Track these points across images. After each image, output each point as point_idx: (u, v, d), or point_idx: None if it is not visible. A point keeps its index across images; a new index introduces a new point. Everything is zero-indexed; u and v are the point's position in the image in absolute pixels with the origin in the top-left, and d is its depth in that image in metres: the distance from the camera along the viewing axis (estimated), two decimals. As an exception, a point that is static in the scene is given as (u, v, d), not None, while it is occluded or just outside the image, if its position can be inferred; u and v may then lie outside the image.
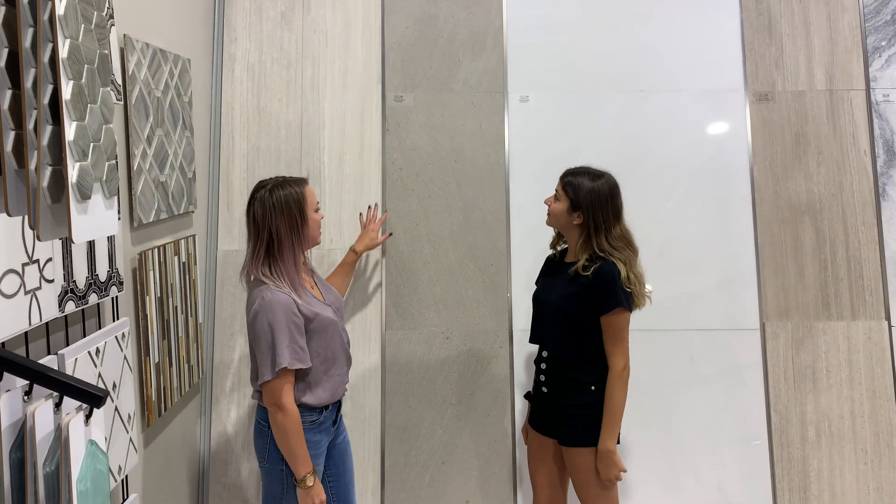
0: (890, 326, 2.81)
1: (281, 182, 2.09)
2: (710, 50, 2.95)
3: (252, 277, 2.09)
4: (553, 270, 2.39)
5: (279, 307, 1.99)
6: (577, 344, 2.24)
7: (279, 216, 2.04)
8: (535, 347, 2.81)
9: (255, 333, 2.02)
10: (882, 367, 2.80)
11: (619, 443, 2.26)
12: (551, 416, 2.33)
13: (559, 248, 2.42)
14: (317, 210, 2.15)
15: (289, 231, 2.05)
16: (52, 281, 1.59)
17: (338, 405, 2.23)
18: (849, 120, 2.89)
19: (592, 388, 2.22)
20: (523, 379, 2.85)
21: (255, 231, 2.08)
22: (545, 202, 2.32)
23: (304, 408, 2.07)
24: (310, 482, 2.04)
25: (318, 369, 2.10)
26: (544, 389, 2.35)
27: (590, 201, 2.20)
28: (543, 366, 2.35)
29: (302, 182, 2.12)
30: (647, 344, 2.81)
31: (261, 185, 2.10)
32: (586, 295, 2.19)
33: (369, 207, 2.84)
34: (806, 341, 2.83)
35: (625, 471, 2.22)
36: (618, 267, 2.17)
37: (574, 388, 2.24)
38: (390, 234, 2.85)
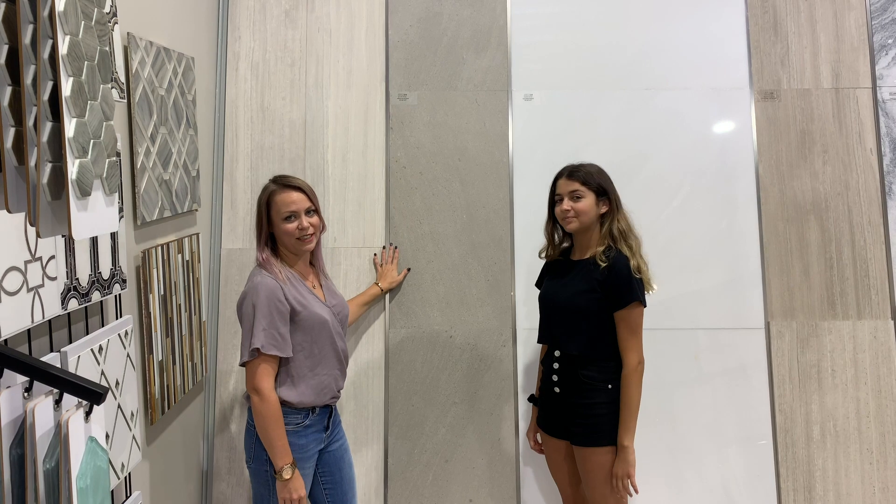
0: (896, 326, 2.80)
1: (272, 182, 2.18)
2: (716, 48, 2.94)
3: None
4: (559, 270, 2.38)
5: (264, 290, 2.02)
6: (592, 341, 2.23)
7: (258, 211, 2.18)
8: (539, 346, 2.81)
9: (241, 315, 2.08)
10: (888, 367, 2.78)
11: None
12: (564, 417, 2.31)
13: (553, 251, 2.41)
14: (287, 219, 2.10)
15: (259, 226, 2.16)
16: (54, 278, 1.60)
17: (328, 411, 2.21)
18: (855, 118, 2.87)
19: (609, 386, 2.21)
20: (527, 378, 2.84)
21: None
22: (564, 208, 2.24)
23: (287, 407, 2.06)
24: (286, 474, 2.01)
25: (303, 364, 2.09)
26: (556, 390, 2.33)
27: (608, 182, 2.27)
28: (556, 366, 2.32)
29: (280, 188, 2.12)
30: (652, 343, 2.78)
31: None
32: (601, 290, 2.19)
33: (384, 248, 2.85)
34: (811, 340, 2.81)
35: (631, 475, 2.21)
36: (628, 258, 2.18)
37: (589, 387, 2.23)
38: (409, 270, 2.86)
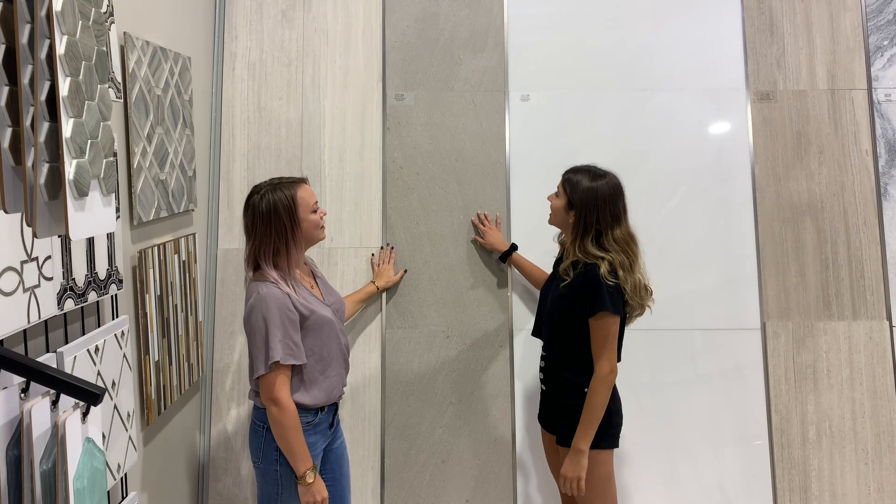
0: (891, 326, 2.81)
1: (274, 186, 2.09)
2: (712, 49, 2.95)
3: (249, 275, 2.11)
4: (557, 268, 2.39)
5: (273, 302, 2.00)
6: (569, 344, 2.23)
7: (268, 224, 2.06)
8: (536, 347, 2.82)
9: (251, 328, 2.03)
10: (883, 367, 2.79)
11: (617, 446, 2.24)
12: (550, 413, 2.34)
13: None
14: (314, 210, 2.13)
15: (278, 237, 2.06)
16: (51, 279, 1.59)
17: (334, 408, 2.22)
18: (850, 119, 2.88)
19: (586, 389, 2.19)
20: (523, 378, 2.85)
21: (248, 235, 2.11)
22: (548, 198, 2.31)
23: (299, 408, 2.06)
24: (310, 479, 2.03)
25: (314, 368, 2.10)
26: (543, 387, 2.37)
27: (584, 201, 2.15)
28: (543, 364, 2.36)
29: (295, 185, 2.10)
30: (648, 343, 2.81)
31: (254, 191, 2.11)
32: (575, 297, 2.18)
33: (381, 248, 2.85)
34: (807, 341, 2.82)
35: (582, 478, 2.13)
36: (600, 267, 2.12)
37: (569, 389, 2.23)
38: (405, 272, 2.86)
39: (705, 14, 2.96)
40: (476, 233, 2.86)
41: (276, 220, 2.05)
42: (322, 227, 2.16)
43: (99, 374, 1.79)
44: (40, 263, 1.55)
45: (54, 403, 1.29)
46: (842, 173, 2.87)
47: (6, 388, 1.24)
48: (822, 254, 2.85)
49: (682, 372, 2.84)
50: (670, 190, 2.89)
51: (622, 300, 2.15)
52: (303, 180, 2.15)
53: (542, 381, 2.37)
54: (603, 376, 2.14)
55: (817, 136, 2.89)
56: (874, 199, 2.86)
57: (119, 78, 2.04)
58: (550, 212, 2.29)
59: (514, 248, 2.78)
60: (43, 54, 1.02)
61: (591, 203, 2.15)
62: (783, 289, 2.84)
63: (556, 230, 2.40)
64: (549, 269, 2.56)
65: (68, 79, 1.05)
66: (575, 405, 2.20)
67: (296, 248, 2.09)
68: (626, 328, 2.24)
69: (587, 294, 2.15)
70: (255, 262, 2.08)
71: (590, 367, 2.20)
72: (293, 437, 2.01)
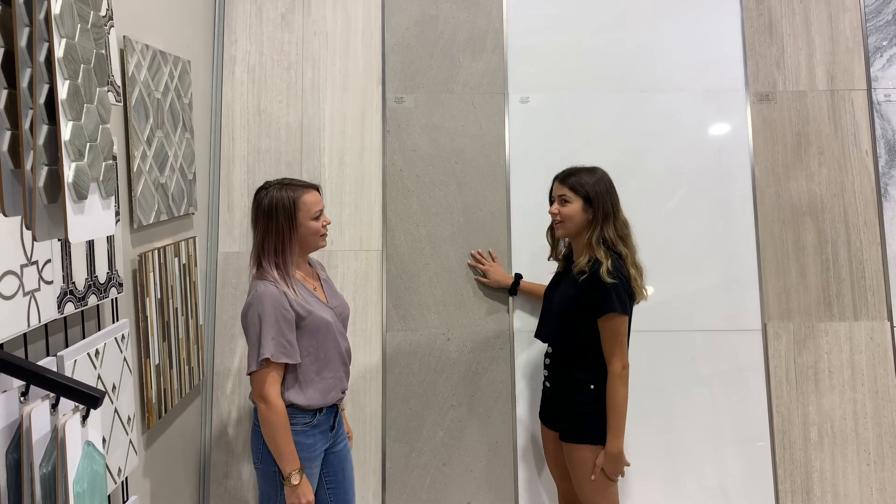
0: (892, 327, 2.80)
1: (282, 185, 2.10)
2: (711, 50, 2.95)
3: (252, 272, 2.12)
4: (561, 273, 2.44)
5: (269, 300, 2.00)
6: (576, 344, 2.27)
7: (267, 221, 2.07)
8: (537, 349, 2.82)
9: (247, 325, 2.05)
10: (884, 368, 2.79)
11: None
12: (554, 411, 2.38)
13: (555, 254, 2.45)
14: (317, 217, 2.12)
15: (276, 236, 2.07)
16: (51, 282, 1.59)
17: (334, 410, 2.22)
18: (850, 120, 2.88)
19: (592, 386, 2.24)
20: (525, 380, 2.84)
21: (253, 229, 2.13)
22: (551, 212, 2.30)
23: (295, 408, 2.06)
24: (295, 480, 2.02)
25: (310, 369, 2.10)
26: (547, 385, 2.41)
27: (597, 192, 2.23)
28: (547, 362, 2.40)
29: (302, 188, 2.10)
30: (649, 344, 2.81)
31: (263, 187, 2.13)
32: (583, 298, 2.21)
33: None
34: (808, 342, 2.81)
35: (629, 465, 2.26)
36: (601, 265, 2.16)
37: (575, 386, 2.28)
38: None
39: (704, 15, 2.96)
40: (476, 272, 2.85)
41: (275, 219, 2.07)
42: (323, 234, 2.15)
43: (99, 377, 1.79)
44: (40, 267, 1.55)
45: (54, 407, 1.29)
46: (842, 174, 2.87)
47: (6, 391, 1.24)
48: (822, 254, 2.84)
49: (683, 373, 2.83)
50: (670, 190, 2.89)
51: (628, 296, 2.20)
52: (313, 186, 2.15)
53: (546, 378, 2.41)
54: (617, 374, 2.20)
55: (817, 137, 2.88)
56: (874, 200, 2.85)
57: (119, 82, 2.05)
58: (563, 221, 2.27)
59: (519, 277, 2.80)
60: (42, 57, 1.02)
61: (603, 192, 2.24)
62: (784, 289, 2.84)
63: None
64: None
65: (67, 82, 1.05)
66: (580, 402, 2.26)
67: (291, 250, 2.09)
68: (631, 322, 2.28)
69: (594, 295, 2.19)
70: (258, 260, 2.09)
71: (598, 365, 2.24)
72: (280, 436, 2.01)
